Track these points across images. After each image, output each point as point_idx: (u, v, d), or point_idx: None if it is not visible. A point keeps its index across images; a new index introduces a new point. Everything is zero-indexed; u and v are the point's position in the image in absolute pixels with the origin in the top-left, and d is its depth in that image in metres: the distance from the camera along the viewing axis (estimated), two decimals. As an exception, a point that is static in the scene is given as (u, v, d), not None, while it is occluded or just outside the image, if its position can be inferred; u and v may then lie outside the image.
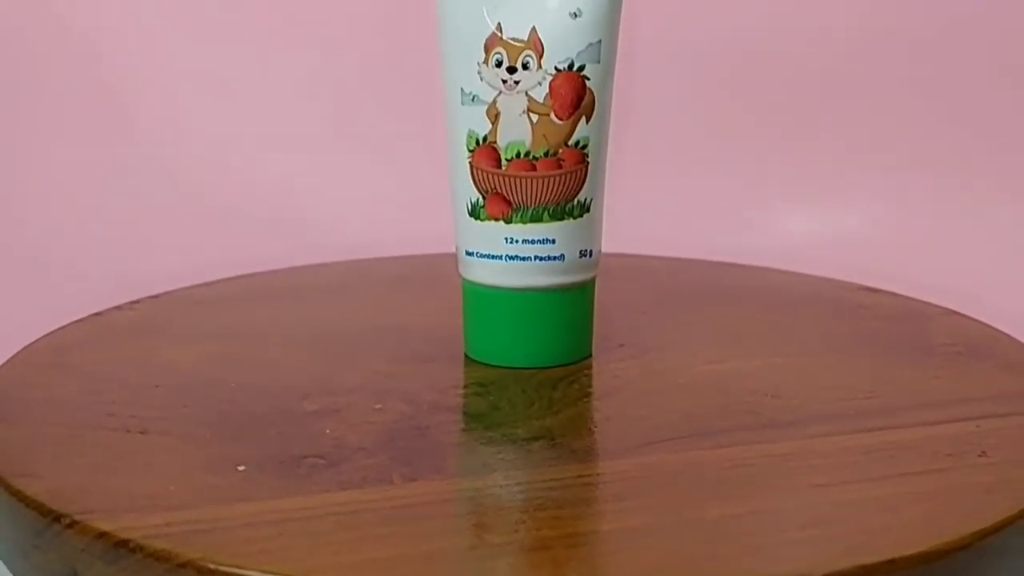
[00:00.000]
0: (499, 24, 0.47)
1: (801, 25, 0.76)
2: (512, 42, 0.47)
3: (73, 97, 0.74)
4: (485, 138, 0.48)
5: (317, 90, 0.76)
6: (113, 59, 0.75)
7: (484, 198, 0.48)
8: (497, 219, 0.48)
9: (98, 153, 0.74)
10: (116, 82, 0.75)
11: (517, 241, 0.48)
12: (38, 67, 0.74)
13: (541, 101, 0.47)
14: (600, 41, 0.48)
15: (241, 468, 0.41)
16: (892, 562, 0.36)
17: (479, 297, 0.50)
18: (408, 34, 0.70)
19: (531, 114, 0.47)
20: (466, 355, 0.51)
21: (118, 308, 0.56)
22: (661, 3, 0.73)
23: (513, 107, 0.47)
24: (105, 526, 0.37)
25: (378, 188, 0.76)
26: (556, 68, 0.47)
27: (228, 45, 0.75)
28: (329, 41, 0.76)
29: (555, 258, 0.49)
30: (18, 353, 0.51)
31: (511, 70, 0.47)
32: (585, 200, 0.49)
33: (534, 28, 0.47)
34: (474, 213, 0.49)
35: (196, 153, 0.75)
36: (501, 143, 0.48)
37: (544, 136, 0.48)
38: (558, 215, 0.48)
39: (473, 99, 0.48)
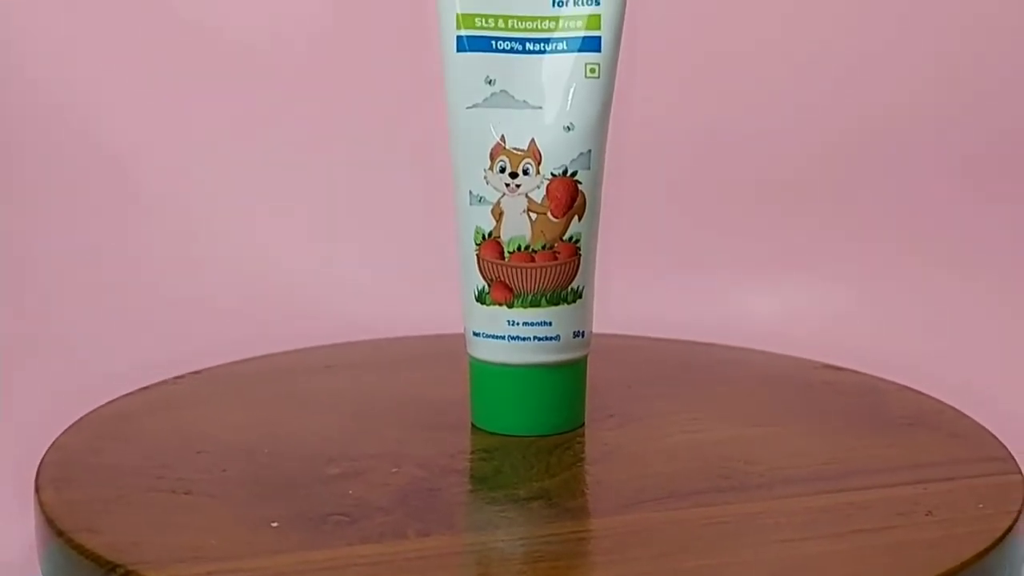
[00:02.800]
0: (503, 136, 0.49)
1: (770, 123, 0.77)
2: (514, 151, 0.49)
3: (140, 197, 0.76)
4: (490, 233, 0.49)
5: (350, 195, 0.78)
6: (136, 162, 0.76)
7: (489, 286, 0.50)
8: (501, 304, 0.50)
9: (143, 254, 0.76)
10: (160, 182, 0.77)
11: (518, 323, 0.50)
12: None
13: (539, 202, 0.49)
14: (590, 150, 0.49)
15: (274, 524, 0.42)
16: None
17: (484, 373, 0.51)
18: (424, 143, 0.71)
19: (531, 213, 0.49)
20: (473, 424, 0.51)
21: (164, 382, 0.57)
22: (643, 117, 0.74)
23: (515, 207, 0.49)
24: None
25: (396, 277, 0.77)
26: (552, 174, 0.49)
27: (253, 140, 0.76)
28: (356, 145, 0.77)
29: (552, 338, 0.50)
30: (78, 422, 0.52)
31: (513, 175, 0.49)
32: (578, 287, 0.50)
33: (533, 139, 0.49)
34: (480, 299, 0.50)
35: (235, 249, 0.76)
36: (504, 238, 0.49)
37: (542, 232, 0.49)
38: (554, 300, 0.50)
39: (480, 200, 0.49)
